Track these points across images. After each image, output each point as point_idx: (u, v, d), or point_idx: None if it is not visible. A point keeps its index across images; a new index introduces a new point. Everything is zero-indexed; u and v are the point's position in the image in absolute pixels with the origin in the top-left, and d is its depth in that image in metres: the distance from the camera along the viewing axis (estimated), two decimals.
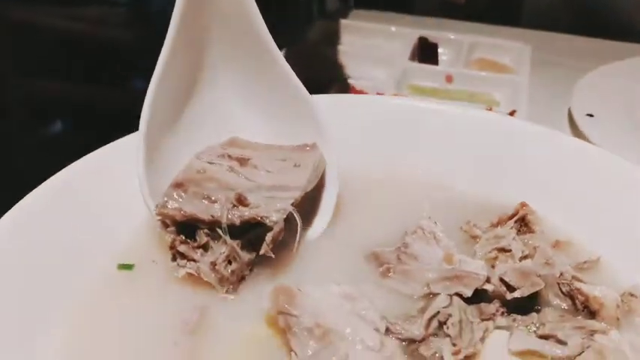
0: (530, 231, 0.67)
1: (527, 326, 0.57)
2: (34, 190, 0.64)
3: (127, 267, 0.64)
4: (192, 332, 0.57)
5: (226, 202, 0.60)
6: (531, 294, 0.59)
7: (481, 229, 0.68)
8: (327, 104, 0.72)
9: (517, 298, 0.58)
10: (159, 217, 0.60)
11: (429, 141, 0.79)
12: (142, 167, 0.63)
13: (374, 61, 1.39)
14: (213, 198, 0.61)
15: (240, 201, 0.60)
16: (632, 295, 0.60)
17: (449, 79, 1.34)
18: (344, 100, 0.85)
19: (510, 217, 0.68)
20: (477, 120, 0.80)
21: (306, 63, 1.00)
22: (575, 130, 1.17)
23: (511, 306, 0.59)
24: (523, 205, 0.68)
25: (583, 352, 0.54)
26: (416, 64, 1.38)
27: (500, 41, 1.48)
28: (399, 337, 0.55)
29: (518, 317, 0.58)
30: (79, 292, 0.60)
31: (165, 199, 0.61)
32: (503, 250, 0.64)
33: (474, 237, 0.67)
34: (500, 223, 0.68)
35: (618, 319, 0.57)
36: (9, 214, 0.60)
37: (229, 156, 0.67)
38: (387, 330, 0.56)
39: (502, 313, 0.58)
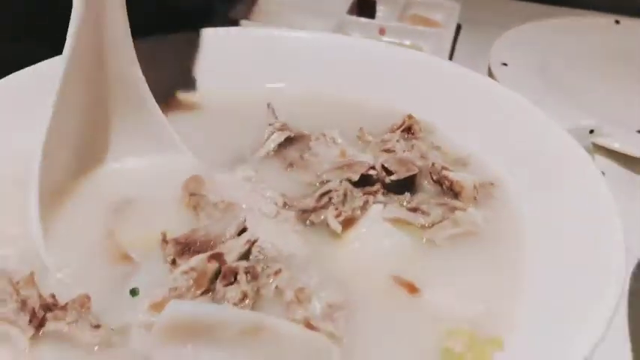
0: (415, 138, 0.78)
1: (400, 202, 0.68)
2: None
3: None
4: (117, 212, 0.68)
5: None
6: (407, 181, 0.70)
7: (373, 136, 0.79)
8: None
9: (395, 181, 0.69)
10: None
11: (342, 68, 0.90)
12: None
13: (313, 14, 1.46)
14: None
15: None
16: (491, 183, 0.72)
17: (382, 31, 1.44)
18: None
19: (399, 127, 0.79)
20: (384, 51, 0.91)
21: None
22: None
23: (390, 189, 0.70)
24: (410, 116, 0.80)
25: (442, 220, 0.66)
26: (352, 17, 1.47)
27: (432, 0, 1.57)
28: (293, 208, 0.66)
29: (394, 196, 0.69)
30: None
31: None
32: (388, 150, 0.75)
33: (366, 142, 0.78)
34: (390, 131, 0.79)
35: (475, 198, 0.69)
36: None
37: None
38: (284, 204, 0.67)
39: (382, 193, 0.69)
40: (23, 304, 0.56)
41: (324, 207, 0.66)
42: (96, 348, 0.55)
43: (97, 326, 0.56)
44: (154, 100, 0.73)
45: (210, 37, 0.91)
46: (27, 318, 0.55)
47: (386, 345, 0.55)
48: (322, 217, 0.65)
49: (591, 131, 1.00)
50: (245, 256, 0.61)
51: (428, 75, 0.86)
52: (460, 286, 0.61)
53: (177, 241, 0.61)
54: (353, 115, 0.84)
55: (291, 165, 0.73)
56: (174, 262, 0.59)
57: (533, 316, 0.57)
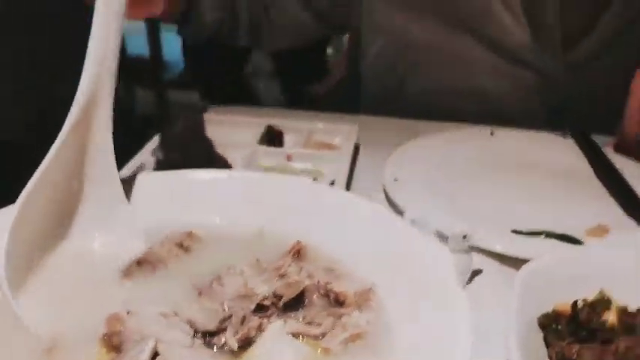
0: (303, 260, 0.94)
1: (296, 319, 0.82)
2: None
3: None
4: None
5: None
6: (299, 299, 0.85)
7: (268, 264, 0.93)
8: None
9: (289, 303, 0.84)
10: None
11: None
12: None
13: (231, 146, 1.62)
14: None
15: None
16: (370, 289, 0.88)
17: (289, 157, 1.62)
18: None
19: (289, 252, 0.95)
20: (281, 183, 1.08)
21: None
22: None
23: (286, 309, 0.84)
24: (298, 242, 0.95)
25: (334, 328, 0.80)
26: (262, 147, 1.65)
27: (333, 125, 1.78)
28: (200, 329, 0.78)
29: (291, 314, 0.83)
30: None
31: None
32: (282, 275, 0.89)
33: (264, 270, 0.92)
34: (283, 257, 0.94)
35: (357, 302, 0.84)
36: None
37: None
38: (195, 332, 0.79)
39: (277, 315, 0.83)
40: None
41: (225, 330, 0.78)
42: None
43: None
44: None
45: None
46: None
47: None
48: (223, 339, 0.77)
49: (464, 236, 1.18)
50: None
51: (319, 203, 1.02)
52: None
53: None
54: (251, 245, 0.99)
55: (200, 293, 0.86)
56: None
57: None
